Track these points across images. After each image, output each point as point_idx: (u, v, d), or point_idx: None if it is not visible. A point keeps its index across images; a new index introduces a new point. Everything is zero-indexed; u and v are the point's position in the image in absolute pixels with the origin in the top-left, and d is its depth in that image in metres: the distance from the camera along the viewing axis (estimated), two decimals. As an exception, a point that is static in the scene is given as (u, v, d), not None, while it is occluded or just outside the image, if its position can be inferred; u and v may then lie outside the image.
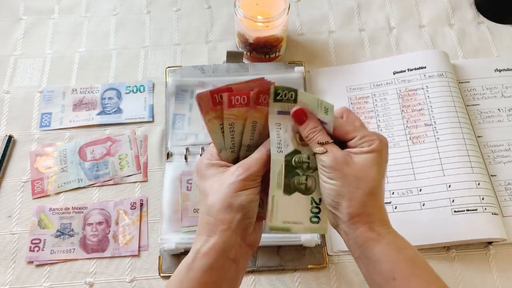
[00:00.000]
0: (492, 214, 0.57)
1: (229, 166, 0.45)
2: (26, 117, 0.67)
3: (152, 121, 0.67)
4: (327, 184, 0.42)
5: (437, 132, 0.63)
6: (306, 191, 0.44)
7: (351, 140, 0.44)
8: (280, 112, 0.44)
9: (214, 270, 0.42)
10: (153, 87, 0.70)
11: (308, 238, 0.57)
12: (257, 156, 0.44)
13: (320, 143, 0.43)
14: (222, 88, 0.42)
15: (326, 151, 0.42)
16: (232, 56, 0.68)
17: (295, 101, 0.43)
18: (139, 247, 0.59)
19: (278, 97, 0.43)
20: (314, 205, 0.44)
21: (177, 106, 0.66)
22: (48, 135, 0.66)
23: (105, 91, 0.69)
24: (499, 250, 0.58)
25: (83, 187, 0.62)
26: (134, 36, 0.75)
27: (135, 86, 0.70)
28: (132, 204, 0.61)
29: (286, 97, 0.43)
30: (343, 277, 0.57)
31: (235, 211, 0.42)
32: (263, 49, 0.69)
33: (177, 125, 0.65)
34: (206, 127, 0.44)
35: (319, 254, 0.57)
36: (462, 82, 0.69)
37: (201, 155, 0.62)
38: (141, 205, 0.61)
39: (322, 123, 0.44)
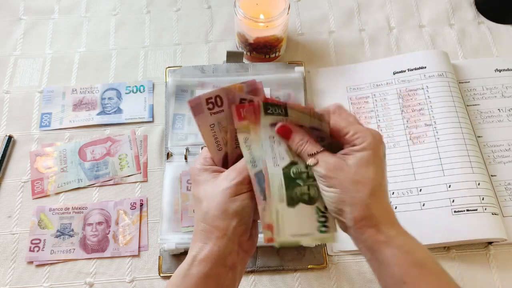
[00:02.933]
0: (492, 214, 0.57)
1: (222, 171, 0.44)
2: (26, 117, 0.67)
3: (152, 121, 0.67)
4: (326, 192, 0.42)
5: (437, 132, 0.63)
6: (310, 201, 0.43)
7: (346, 135, 0.43)
8: (272, 125, 0.43)
9: (210, 278, 0.41)
10: (153, 87, 0.70)
11: (308, 238, 0.57)
12: None
13: (310, 154, 0.42)
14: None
15: (317, 162, 0.42)
16: (232, 56, 0.68)
17: (286, 114, 0.43)
18: (139, 247, 0.59)
19: (268, 111, 0.43)
20: (320, 214, 0.43)
21: (177, 106, 0.66)
22: (48, 135, 0.66)
23: (105, 91, 0.69)
24: (499, 250, 0.58)
25: (83, 187, 0.62)
26: (134, 36, 0.75)
27: (135, 86, 0.70)
28: (132, 204, 0.61)
29: (277, 112, 0.43)
30: (343, 277, 0.57)
31: (230, 217, 0.41)
32: (263, 49, 0.69)
33: (177, 125, 0.65)
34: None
35: (319, 254, 0.57)
36: (462, 82, 0.69)
37: (201, 155, 0.62)
38: (141, 205, 0.61)
39: (315, 129, 0.43)
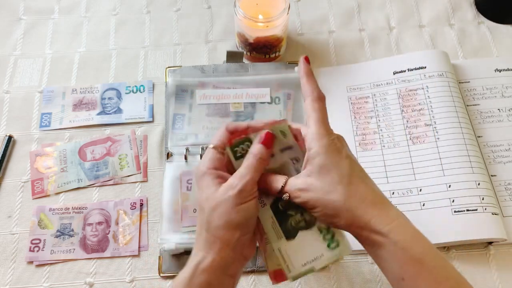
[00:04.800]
0: (492, 214, 0.57)
1: (226, 178, 0.43)
2: (26, 117, 0.67)
3: (152, 121, 0.67)
4: (314, 213, 0.42)
5: (437, 132, 0.63)
6: (308, 225, 0.43)
7: (304, 141, 0.43)
8: None
9: (213, 287, 0.41)
10: (153, 87, 0.70)
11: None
12: (247, 163, 0.42)
13: (279, 191, 0.42)
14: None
15: (288, 195, 0.42)
16: (232, 56, 0.68)
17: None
18: (139, 247, 0.59)
19: (238, 155, 0.43)
20: (325, 232, 0.42)
21: (177, 106, 0.66)
22: (48, 135, 0.66)
23: (105, 91, 0.69)
24: (499, 250, 0.58)
25: (83, 187, 0.62)
26: (134, 36, 0.75)
27: (135, 86, 0.70)
28: (132, 204, 0.61)
29: (245, 149, 0.43)
30: (343, 277, 0.57)
31: (234, 228, 0.41)
32: (263, 49, 0.69)
33: (177, 125, 0.65)
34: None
35: (319, 254, 0.57)
36: (462, 82, 0.69)
37: (201, 156, 0.62)
38: (141, 205, 0.61)
39: (287, 149, 0.44)
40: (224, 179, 0.43)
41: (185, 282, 0.41)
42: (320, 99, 0.45)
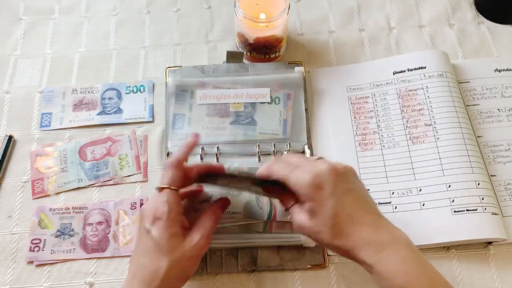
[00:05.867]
0: (492, 214, 0.57)
1: (185, 226, 0.48)
2: (26, 117, 0.67)
3: (152, 121, 0.67)
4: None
5: (437, 132, 0.63)
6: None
7: (289, 186, 0.46)
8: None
9: None
10: (153, 87, 0.70)
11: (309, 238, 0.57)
12: (209, 224, 0.50)
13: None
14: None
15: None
16: (232, 56, 0.68)
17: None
18: (139, 247, 0.59)
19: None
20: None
21: (177, 106, 0.66)
22: (48, 135, 0.66)
23: (105, 91, 0.69)
24: (499, 250, 0.58)
25: (83, 187, 0.62)
26: (134, 36, 0.75)
27: (135, 86, 0.70)
28: (132, 204, 0.61)
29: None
30: (343, 277, 0.57)
31: (187, 279, 0.48)
32: (263, 49, 0.69)
33: (177, 125, 0.65)
34: None
35: (319, 254, 0.57)
36: (462, 82, 0.69)
37: (201, 156, 0.62)
38: (141, 205, 0.61)
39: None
40: (185, 229, 0.48)
41: None
42: (268, 167, 0.48)
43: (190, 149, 0.51)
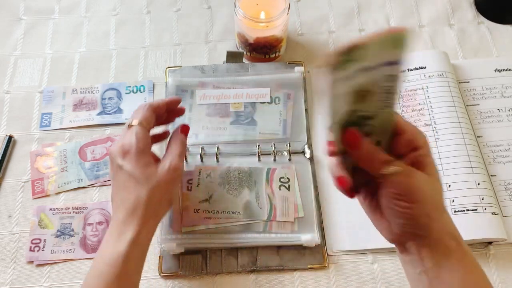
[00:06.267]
0: (492, 214, 0.57)
1: (155, 157, 0.51)
2: (26, 117, 0.67)
3: (152, 121, 0.67)
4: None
5: (437, 132, 0.63)
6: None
7: (403, 134, 0.40)
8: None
9: (145, 256, 0.47)
10: (153, 87, 0.70)
11: (308, 238, 0.57)
12: (180, 148, 0.51)
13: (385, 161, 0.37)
14: None
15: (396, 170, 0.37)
16: (232, 56, 0.68)
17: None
18: (139, 247, 0.59)
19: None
20: None
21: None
22: (48, 135, 0.66)
23: (105, 91, 0.69)
24: (499, 250, 0.58)
25: (83, 187, 0.62)
26: (134, 36, 0.75)
27: (135, 86, 0.70)
28: (132, 204, 0.61)
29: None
30: (343, 277, 0.57)
31: (170, 204, 0.49)
32: (263, 49, 0.69)
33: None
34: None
35: (319, 254, 0.57)
36: (462, 82, 0.69)
37: (201, 156, 0.62)
38: (141, 205, 0.61)
39: (393, 64, 0.34)
40: (155, 159, 0.50)
41: (123, 256, 0.43)
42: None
43: (169, 103, 0.53)
